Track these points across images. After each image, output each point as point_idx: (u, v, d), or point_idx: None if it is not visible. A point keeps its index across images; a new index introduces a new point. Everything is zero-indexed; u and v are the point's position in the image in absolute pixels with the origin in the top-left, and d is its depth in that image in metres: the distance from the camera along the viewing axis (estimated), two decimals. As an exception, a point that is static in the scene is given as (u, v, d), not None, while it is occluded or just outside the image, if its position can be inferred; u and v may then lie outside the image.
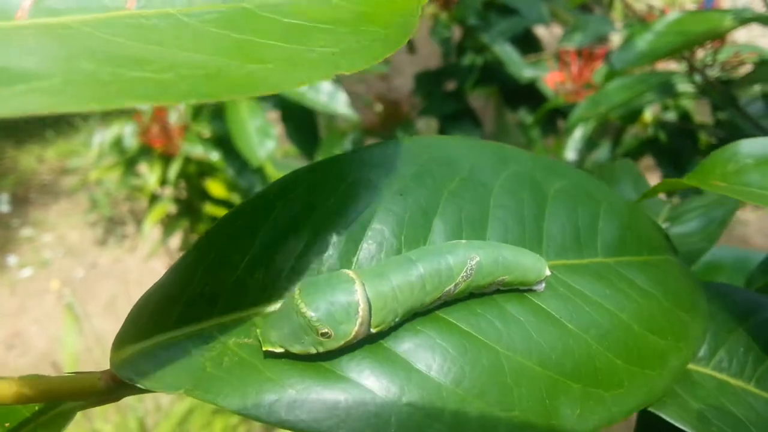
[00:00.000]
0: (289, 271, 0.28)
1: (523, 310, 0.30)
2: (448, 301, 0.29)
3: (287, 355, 0.26)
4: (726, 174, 0.35)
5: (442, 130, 1.54)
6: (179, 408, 1.61)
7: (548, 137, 1.43)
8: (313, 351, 0.25)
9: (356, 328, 0.26)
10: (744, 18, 0.80)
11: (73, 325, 1.99)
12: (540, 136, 1.42)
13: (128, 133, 1.41)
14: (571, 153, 1.21)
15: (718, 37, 0.92)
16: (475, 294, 0.30)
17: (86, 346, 2.29)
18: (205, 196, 1.85)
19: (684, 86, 1.09)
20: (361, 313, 0.26)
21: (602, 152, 1.41)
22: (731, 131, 1.17)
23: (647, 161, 1.51)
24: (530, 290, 0.31)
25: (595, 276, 0.33)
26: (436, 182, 0.32)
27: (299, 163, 2.61)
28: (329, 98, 1.22)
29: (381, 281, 0.26)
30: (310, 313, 0.25)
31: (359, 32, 0.23)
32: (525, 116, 1.47)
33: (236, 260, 0.28)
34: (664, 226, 0.49)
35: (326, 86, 1.22)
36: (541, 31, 1.65)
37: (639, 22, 1.11)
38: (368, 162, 0.31)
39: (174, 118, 1.32)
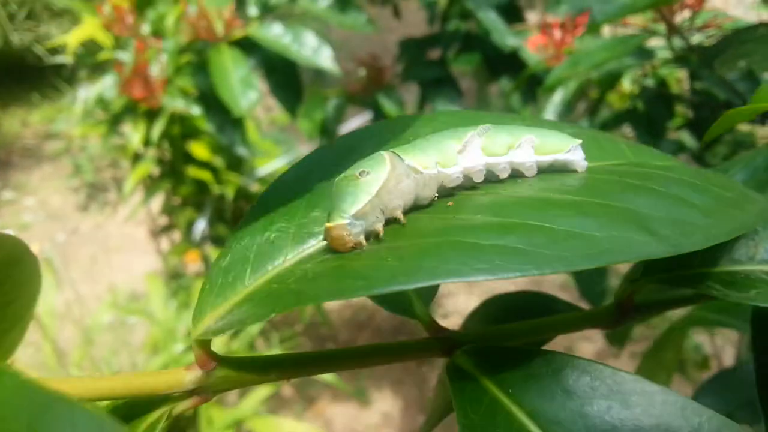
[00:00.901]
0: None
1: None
2: (498, 163, 0.34)
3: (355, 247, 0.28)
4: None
5: (424, 97, 1.55)
6: (155, 363, 1.62)
7: (528, 105, 1.44)
8: (366, 197, 0.29)
9: (388, 162, 0.30)
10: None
11: (52, 280, 1.99)
12: (520, 103, 1.43)
13: (109, 84, 1.41)
14: (550, 117, 1.22)
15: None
16: (516, 167, 0.35)
17: (65, 302, 2.29)
18: (189, 158, 1.85)
19: (663, 53, 1.11)
20: (387, 155, 0.31)
21: (581, 124, 1.43)
22: (707, 99, 1.19)
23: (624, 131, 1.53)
24: (571, 165, 0.35)
25: (633, 168, 0.36)
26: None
27: (285, 134, 2.60)
28: (313, 52, 1.22)
29: (404, 147, 0.33)
30: (346, 171, 0.30)
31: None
32: (506, 84, 1.48)
33: (293, 211, 0.32)
34: None
35: (311, 40, 1.23)
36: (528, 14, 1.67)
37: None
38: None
39: (156, 71, 1.33)
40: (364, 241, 0.28)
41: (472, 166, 0.33)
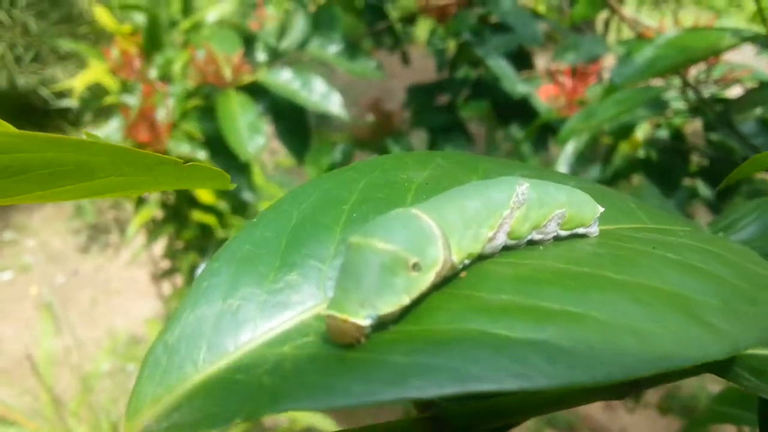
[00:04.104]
0: (311, 268, 0.26)
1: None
2: (518, 244, 0.29)
3: (361, 344, 0.21)
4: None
5: (433, 143, 1.54)
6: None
7: (539, 154, 1.43)
8: (407, 300, 0.22)
9: (441, 251, 0.23)
10: (743, 36, 0.80)
11: (51, 325, 1.96)
12: (531, 152, 1.42)
13: (113, 128, 1.39)
14: (562, 167, 1.21)
15: (717, 54, 0.92)
16: (535, 241, 0.29)
17: (64, 347, 2.25)
18: (193, 202, 1.83)
19: (677, 104, 1.10)
20: (438, 233, 0.24)
21: (593, 172, 1.41)
22: (723, 153, 1.17)
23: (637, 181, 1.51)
24: (586, 235, 0.31)
25: (659, 235, 0.32)
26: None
27: (290, 177, 2.60)
28: (322, 98, 1.21)
29: (437, 209, 0.25)
30: (392, 247, 0.22)
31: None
32: (516, 132, 1.47)
33: (263, 271, 0.25)
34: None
35: (319, 86, 1.22)
36: (537, 59, 1.66)
37: (638, 39, 1.11)
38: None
39: (162, 115, 1.31)
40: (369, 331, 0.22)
41: (491, 252, 0.27)
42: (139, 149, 0.24)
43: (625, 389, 0.34)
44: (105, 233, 3.26)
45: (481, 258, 0.27)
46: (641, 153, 1.30)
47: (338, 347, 0.21)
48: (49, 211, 3.48)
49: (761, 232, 0.42)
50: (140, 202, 1.85)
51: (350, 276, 0.22)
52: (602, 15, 2.12)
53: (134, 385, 0.23)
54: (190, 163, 0.26)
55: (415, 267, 0.22)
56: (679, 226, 0.34)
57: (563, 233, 0.30)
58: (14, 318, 2.68)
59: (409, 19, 1.72)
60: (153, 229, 1.93)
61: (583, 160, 1.24)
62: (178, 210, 1.88)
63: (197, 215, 1.82)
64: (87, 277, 2.95)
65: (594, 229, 0.31)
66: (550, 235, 0.30)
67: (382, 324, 0.22)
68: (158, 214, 1.91)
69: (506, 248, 0.28)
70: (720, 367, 0.29)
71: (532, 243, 0.30)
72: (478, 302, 0.23)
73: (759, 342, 0.24)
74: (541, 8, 1.84)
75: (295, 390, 0.20)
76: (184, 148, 1.34)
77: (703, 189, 1.24)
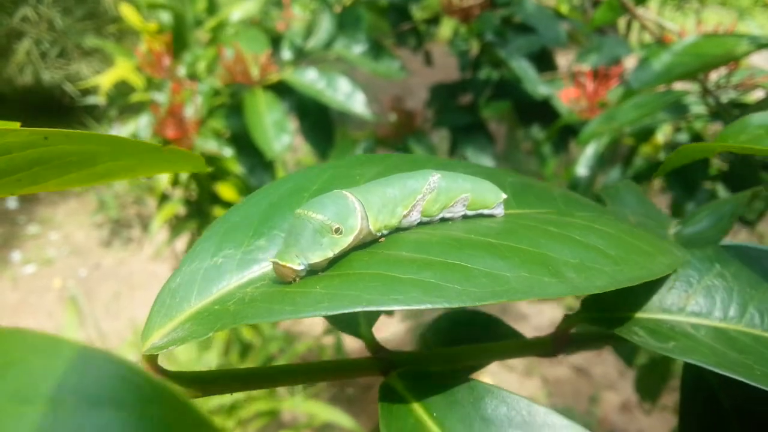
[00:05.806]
0: (275, 236, 0.34)
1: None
2: (431, 221, 0.37)
3: (298, 283, 0.30)
4: (739, 142, 0.39)
5: (455, 143, 1.55)
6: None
7: (559, 155, 1.44)
8: (330, 254, 0.31)
9: (359, 221, 0.32)
10: (760, 43, 0.81)
11: (75, 318, 1.99)
12: (551, 153, 1.42)
13: (143, 124, 1.42)
14: (582, 169, 1.22)
15: (734, 60, 0.93)
16: (446, 218, 0.38)
17: (87, 339, 2.28)
18: (216, 199, 1.85)
19: (697, 108, 1.10)
20: (358, 208, 0.32)
21: (613, 174, 1.42)
22: (742, 156, 1.18)
23: (656, 184, 1.52)
24: (492, 215, 0.39)
25: (557, 216, 0.39)
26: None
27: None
28: (346, 98, 1.23)
29: (363, 191, 0.34)
30: (321, 216, 0.31)
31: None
32: (537, 133, 1.48)
33: (241, 238, 0.34)
34: (675, 229, 0.54)
35: (344, 85, 1.24)
36: (558, 57, 1.67)
37: (657, 43, 1.12)
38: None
39: (190, 112, 1.34)
40: (303, 274, 0.30)
41: (408, 225, 0.36)
42: (133, 139, 0.31)
43: (551, 350, 0.42)
44: (127, 228, 3.30)
45: (400, 229, 0.36)
46: (662, 156, 1.31)
47: (281, 284, 0.30)
48: (73, 205, 3.52)
49: (711, 225, 0.50)
50: (163, 198, 1.88)
51: (292, 235, 0.31)
52: (624, 15, 2.12)
53: (147, 317, 0.31)
54: (169, 147, 0.34)
55: (338, 231, 0.31)
56: (583, 212, 0.42)
57: (470, 213, 0.38)
58: (37, 310, 2.72)
59: (433, 20, 1.73)
60: (176, 225, 1.96)
61: (603, 161, 1.25)
62: (201, 206, 1.90)
63: (219, 212, 1.85)
64: (109, 270, 2.99)
65: (498, 211, 0.39)
66: (458, 214, 0.38)
67: (314, 270, 0.31)
68: (181, 210, 1.94)
69: (423, 223, 0.37)
70: (617, 324, 0.36)
71: (444, 220, 0.38)
72: (384, 257, 0.32)
73: (605, 288, 0.31)
74: (564, 8, 1.84)
75: (249, 312, 0.28)
76: (211, 145, 1.36)
77: (723, 192, 1.24)
